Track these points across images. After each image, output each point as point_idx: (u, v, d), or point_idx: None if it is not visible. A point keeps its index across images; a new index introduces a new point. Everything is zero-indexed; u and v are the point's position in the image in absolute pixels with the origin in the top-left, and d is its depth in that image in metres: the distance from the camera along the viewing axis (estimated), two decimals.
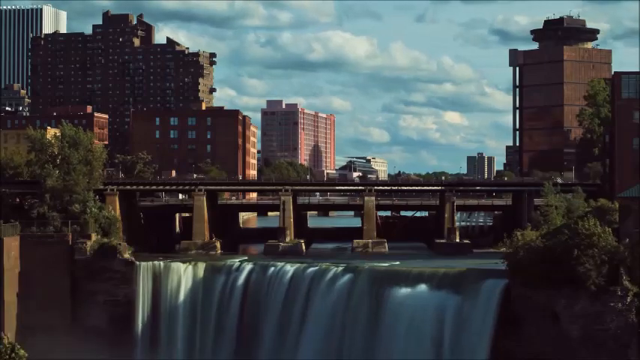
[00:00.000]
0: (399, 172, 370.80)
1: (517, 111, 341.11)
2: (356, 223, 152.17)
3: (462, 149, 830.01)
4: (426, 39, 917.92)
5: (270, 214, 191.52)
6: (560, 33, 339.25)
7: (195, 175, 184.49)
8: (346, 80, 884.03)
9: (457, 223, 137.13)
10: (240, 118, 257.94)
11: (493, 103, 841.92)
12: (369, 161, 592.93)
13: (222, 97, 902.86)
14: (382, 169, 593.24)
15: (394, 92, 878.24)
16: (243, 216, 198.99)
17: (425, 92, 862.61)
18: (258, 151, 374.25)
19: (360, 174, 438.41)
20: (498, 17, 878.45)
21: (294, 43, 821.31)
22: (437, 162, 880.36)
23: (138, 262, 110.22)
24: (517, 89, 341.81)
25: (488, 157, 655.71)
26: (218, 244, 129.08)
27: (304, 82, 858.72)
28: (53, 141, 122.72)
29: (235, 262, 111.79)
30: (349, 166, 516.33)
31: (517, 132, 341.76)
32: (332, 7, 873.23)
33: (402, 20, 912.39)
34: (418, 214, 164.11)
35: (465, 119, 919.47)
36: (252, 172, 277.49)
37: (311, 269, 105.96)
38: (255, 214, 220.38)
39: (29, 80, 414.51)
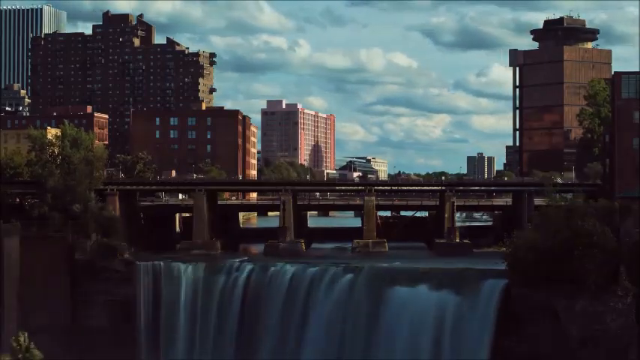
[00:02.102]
0: (399, 172, 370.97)
1: (517, 111, 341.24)
2: (356, 223, 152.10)
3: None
4: None
5: (270, 214, 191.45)
6: (560, 33, 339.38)
7: (195, 175, 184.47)
8: None
9: (457, 223, 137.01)
10: (240, 118, 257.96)
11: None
12: (369, 161, 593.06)
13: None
14: (382, 169, 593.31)
15: None
16: (243, 216, 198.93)
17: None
18: (258, 151, 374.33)
19: (360, 174, 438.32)
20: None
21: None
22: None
23: (138, 262, 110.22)
24: (517, 89, 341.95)
25: (488, 157, 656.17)
26: (218, 244, 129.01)
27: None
28: (54, 141, 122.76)
29: (235, 262, 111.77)
30: (349, 166, 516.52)
31: (517, 132, 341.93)
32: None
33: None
34: (418, 214, 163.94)
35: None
36: (252, 172, 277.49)
37: (311, 269, 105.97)
38: (255, 214, 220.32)
39: (29, 80, 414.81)
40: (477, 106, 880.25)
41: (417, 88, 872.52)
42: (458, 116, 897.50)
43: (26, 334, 39.50)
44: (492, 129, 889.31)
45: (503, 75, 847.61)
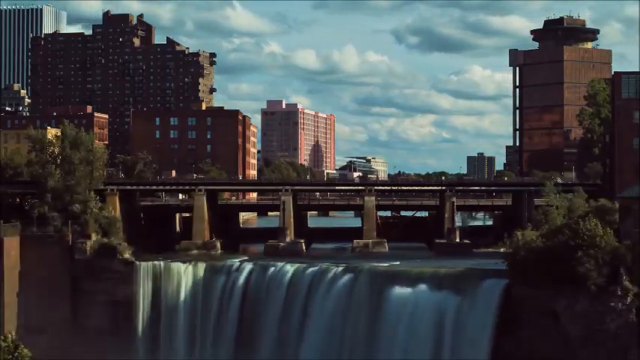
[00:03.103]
0: (399, 172, 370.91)
1: (517, 111, 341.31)
2: (356, 223, 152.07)
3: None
4: None
5: (270, 214, 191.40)
6: (560, 33, 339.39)
7: (195, 175, 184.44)
8: None
9: (457, 223, 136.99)
10: (240, 118, 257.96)
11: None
12: (369, 161, 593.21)
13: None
14: (382, 169, 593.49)
15: None
16: (243, 216, 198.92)
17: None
18: (258, 151, 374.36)
19: (360, 174, 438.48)
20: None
21: None
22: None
23: (138, 262, 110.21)
24: (517, 89, 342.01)
25: (488, 157, 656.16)
26: (218, 244, 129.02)
27: None
28: (54, 141, 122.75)
29: (235, 262, 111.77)
30: (349, 166, 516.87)
31: (517, 132, 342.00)
32: None
33: None
34: (418, 214, 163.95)
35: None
36: (252, 172, 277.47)
37: (311, 269, 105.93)
38: (255, 214, 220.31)
39: (29, 80, 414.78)
40: (458, 106, 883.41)
41: (394, 89, 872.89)
42: (441, 116, 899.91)
43: (12, 333, 39.45)
44: (476, 128, 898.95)
45: (481, 76, 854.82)
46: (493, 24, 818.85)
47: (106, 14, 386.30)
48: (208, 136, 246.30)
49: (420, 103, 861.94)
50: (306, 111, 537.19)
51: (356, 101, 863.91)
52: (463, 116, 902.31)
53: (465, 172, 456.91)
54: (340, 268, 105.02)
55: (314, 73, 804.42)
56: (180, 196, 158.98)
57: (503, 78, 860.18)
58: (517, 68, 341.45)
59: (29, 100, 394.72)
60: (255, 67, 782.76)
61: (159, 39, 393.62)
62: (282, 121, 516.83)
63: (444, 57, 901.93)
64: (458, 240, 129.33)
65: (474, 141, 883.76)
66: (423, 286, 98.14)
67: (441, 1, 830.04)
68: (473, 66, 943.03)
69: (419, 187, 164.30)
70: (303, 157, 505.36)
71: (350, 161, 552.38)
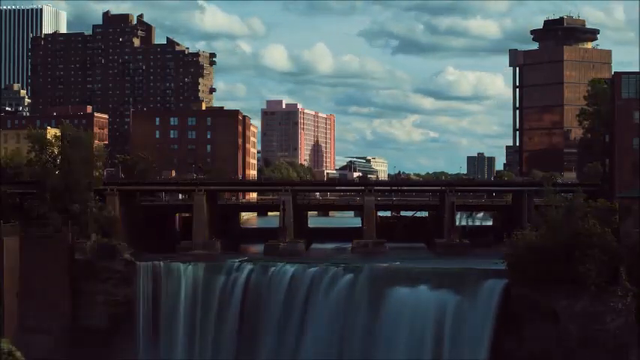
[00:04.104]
0: (399, 172, 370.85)
1: (517, 111, 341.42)
2: (356, 223, 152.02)
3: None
4: None
5: (270, 214, 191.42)
6: (560, 33, 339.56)
7: (195, 175, 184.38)
8: None
9: (457, 223, 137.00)
10: (240, 118, 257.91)
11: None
12: (369, 161, 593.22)
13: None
14: (382, 169, 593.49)
15: None
16: (243, 216, 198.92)
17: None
18: (258, 151, 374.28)
19: (360, 174, 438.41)
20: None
21: None
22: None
23: (138, 262, 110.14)
24: (517, 89, 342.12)
25: (488, 157, 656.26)
26: (218, 244, 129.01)
27: None
28: (54, 141, 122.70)
29: (235, 262, 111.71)
30: (349, 166, 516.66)
31: (517, 132, 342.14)
32: None
33: None
34: (418, 214, 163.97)
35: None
36: (252, 172, 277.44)
37: (311, 269, 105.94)
38: (255, 214, 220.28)
39: (29, 80, 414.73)
40: (438, 106, 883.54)
41: (371, 90, 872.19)
42: (424, 116, 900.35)
43: (7, 340, 39.20)
44: (460, 128, 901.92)
45: (458, 77, 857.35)
46: (459, 26, 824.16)
47: (106, 14, 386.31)
48: (208, 136, 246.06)
49: (401, 104, 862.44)
50: (306, 111, 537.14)
51: (335, 102, 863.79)
52: (446, 117, 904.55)
53: (464, 172, 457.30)
54: (340, 268, 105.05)
55: (287, 74, 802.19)
56: (180, 196, 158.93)
57: (479, 78, 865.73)
58: (517, 68, 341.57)
59: (29, 100, 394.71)
60: (227, 68, 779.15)
61: (157, 39, 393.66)
62: (282, 121, 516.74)
63: (416, 58, 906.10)
64: (458, 240, 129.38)
65: (461, 140, 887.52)
66: (423, 286, 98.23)
67: (403, 2, 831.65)
68: (447, 67, 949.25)
69: (419, 187, 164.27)
70: (303, 157, 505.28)
71: (350, 161, 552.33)
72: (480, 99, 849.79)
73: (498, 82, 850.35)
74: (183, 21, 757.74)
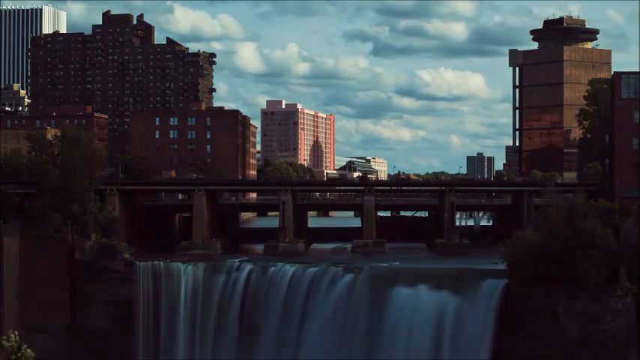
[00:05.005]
0: (399, 172, 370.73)
1: (517, 111, 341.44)
2: (356, 223, 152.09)
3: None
4: None
5: (270, 214, 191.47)
6: (560, 33, 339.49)
7: (195, 175, 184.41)
8: None
9: (457, 223, 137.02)
10: (240, 118, 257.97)
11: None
12: (369, 161, 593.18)
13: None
14: (382, 169, 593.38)
15: None
16: (243, 216, 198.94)
17: None
18: (258, 151, 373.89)
19: (360, 174, 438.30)
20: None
21: None
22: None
23: (138, 262, 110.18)
24: (517, 89, 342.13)
25: (488, 157, 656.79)
26: (218, 244, 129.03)
27: None
28: (54, 141, 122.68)
29: (235, 262, 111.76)
30: (349, 166, 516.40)
31: (517, 132, 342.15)
32: None
33: None
34: (418, 214, 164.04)
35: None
36: (252, 172, 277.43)
37: (311, 269, 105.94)
38: (255, 214, 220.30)
39: (29, 80, 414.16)
40: (421, 106, 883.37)
41: (352, 91, 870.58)
42: (408, 116, 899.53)
43: (16, 333, 39.16)
44: (447, 127, 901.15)
45: (435, 78, 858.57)
46: (426, 28, 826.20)
47: (106, 14, 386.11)
48: (208, 136, 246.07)
49: (382, 104, 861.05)
50: (305, 111, 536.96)
51: (318, 103, 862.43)
52: (428, 117, 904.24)
53: (464, 172, 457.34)
54: (340, 268, 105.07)
55: (264, 75, 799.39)
56: (180, 196, 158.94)
57: (456, 78, 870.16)
58: (517, 68, 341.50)
59: (29, 100, 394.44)
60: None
61: (157, 39, 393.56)
62: (282, 121, 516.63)
63: (391, 60, 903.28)
64: (458, 240, 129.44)
65: (450, 139, 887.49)
66: (423, 286, 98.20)
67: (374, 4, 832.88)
68: (425, 68, 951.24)
69: (419, 187, 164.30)
70: (303, 157, 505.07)
71: (350, 161, 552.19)
72: (463, 98, 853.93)
73: (478, 81, 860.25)
74: (152, 21, 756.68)
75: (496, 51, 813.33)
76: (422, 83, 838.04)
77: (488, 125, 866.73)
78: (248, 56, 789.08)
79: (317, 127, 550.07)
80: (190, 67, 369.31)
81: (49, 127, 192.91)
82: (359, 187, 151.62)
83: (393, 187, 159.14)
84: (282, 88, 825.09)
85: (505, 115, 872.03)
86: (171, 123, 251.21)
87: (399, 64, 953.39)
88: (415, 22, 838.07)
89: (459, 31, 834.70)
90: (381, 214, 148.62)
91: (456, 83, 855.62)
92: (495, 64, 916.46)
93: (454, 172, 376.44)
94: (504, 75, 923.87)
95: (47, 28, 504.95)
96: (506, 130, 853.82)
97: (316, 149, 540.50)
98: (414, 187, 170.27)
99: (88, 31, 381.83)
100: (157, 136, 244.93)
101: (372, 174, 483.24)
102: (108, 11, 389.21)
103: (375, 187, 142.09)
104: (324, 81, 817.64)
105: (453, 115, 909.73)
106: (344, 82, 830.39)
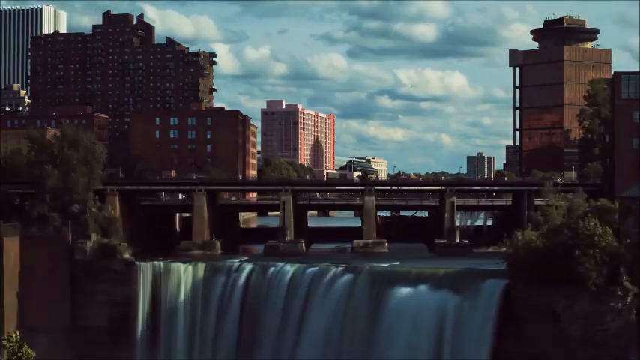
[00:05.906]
0: (399, 172, 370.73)
1: (517, 111, 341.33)
2: (356, 223, 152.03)
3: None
4: None
5: (270, 214, 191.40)
6: (560, 33, 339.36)
7: (195, 175, 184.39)
8: None
9: (457, 223, 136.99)
10: (240, 118, 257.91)
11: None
12: (369, 161, 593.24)
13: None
14: (382, 169, 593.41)
15: None
16: (243, 216, 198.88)
17: None
18: (258, 151, 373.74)
19: (360, 174, 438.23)
20: None
21: None
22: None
23: (138, 262, 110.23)
24: (517, 89, 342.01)
25: (488, 157, 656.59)
26: (218, 244, 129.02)
27: None
28: (53, 141, 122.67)
29: (235, 262, 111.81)
30: (349, 166, 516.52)
31: (517, 132, 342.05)
32: None
33: None
34: (418, 214, 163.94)
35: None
36: (253, 172, 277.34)
37: (311, 269, 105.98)
38: (255, 214, 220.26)
39: (29, 80, 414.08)
40: (404, 106, 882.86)
41: (334, 92, 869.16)
42: (394, 116, 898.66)
43: (17, 332, 39.03)
44: (434, 127, 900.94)
45: (419, 78, 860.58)
46: (399, 29, 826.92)
47: (106, 14, 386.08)
48: (208, 136, 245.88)
49: (365, 105, 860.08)
50: (306, 111, 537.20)
51: (304, 103, 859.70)
52: (416, 117, 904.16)
53: (464, 172, 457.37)
54: (340, 268, 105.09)
55: (240, 76, 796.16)
56: (180, 196, 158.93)
57: (441, 78, 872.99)
58: (517, 68, 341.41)
59: (29, 100, 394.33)
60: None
61: (157, 39, 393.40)
62: (282, 121, 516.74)
63: (372, 62, 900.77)
64: (458, 240, 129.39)
65: (440, 139, 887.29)
66: (423, 286, 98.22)
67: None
68: (400, 69, 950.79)
69: (419, 188, 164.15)
70: (303, 157, 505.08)
71: (350, 161, 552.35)
72: (446, 98, 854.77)
73: (460, 81, 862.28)
74: None
75: (474, 52, 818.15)
76: (407, 83, 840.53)
77: (471, 125, 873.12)
78: (223, 58, 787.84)
79: (317, 127, 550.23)
80: (190, 67, 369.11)
81: (49, 127, 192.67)
82: (359, 187, 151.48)
83: (393, 188, 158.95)
84: (257, 89, 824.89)
85: (489, 115, 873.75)
86: (172, 123, 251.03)
87: (382, 65, 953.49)
88: (383, 24, 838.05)
89: (428, 32, 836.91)
90: (381, 214, 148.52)
91: (440, 83, 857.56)
92: (474, 64, 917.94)
93: (454, 172, 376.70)
94: (485, 75, 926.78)
95: (47, 28, 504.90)
96: (495, 129, 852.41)
97: (316, 149, 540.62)
98: (414, 188, 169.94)
99: (88, 31, 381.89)
100: (157, 136, 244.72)
101: (372, 174, 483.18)
102: (108, 11, 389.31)
103: (375, 187, 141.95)
104: (302, 82, 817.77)
105: (436, 115, 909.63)
106: (322, 83, 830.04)
